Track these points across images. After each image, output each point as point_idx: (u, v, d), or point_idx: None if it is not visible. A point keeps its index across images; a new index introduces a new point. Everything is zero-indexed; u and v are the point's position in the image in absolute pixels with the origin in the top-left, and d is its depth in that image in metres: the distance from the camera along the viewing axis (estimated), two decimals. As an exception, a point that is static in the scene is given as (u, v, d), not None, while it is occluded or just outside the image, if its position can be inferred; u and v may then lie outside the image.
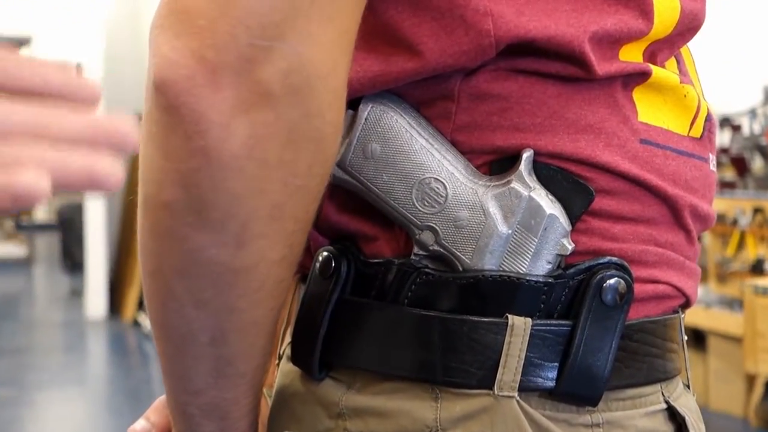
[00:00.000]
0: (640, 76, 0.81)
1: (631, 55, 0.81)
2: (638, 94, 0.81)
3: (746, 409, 4.59)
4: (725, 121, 5.18)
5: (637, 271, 0.80)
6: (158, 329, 0.79)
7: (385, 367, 0.80)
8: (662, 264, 0.82)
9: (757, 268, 4.57)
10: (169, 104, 0.67)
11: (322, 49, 0.69)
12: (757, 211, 4.61)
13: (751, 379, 4.52)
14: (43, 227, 12.14)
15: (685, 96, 0.84)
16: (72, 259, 9.42)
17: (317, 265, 0.83)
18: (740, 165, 4.97)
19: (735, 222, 4.70)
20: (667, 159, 0.82)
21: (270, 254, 0.73)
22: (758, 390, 4.44)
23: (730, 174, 5.16)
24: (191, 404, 0.82)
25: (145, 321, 6.62)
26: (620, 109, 0.80)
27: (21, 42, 10.78)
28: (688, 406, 0.87)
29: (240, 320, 0.76)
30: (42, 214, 12.00)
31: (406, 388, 0.79)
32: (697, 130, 0.86)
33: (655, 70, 0.81)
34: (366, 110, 0.78)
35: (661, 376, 0.84)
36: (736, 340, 4.45)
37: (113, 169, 0.49)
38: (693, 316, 4.73)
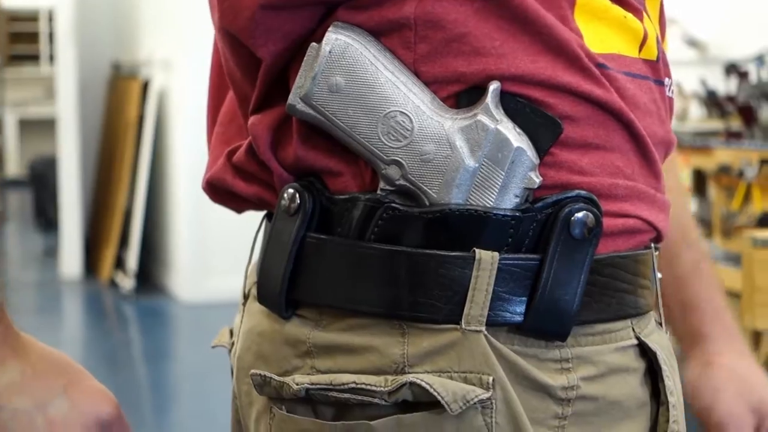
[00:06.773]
0: None
1: None
2: (579, 22, 0.84)
3: (752, 369, 4.64)
4: (732, 68, 5.18)
5: (606, 205, 0.84)
6: None
7: (352, 304, 0.83)
8: (632, 197, 0.86)
9: (763, 222, 4.60)
10: None
11: None
12: (764, 162, 4.61)
13: (756, 337, 4.56)
14: (15, 183, 12.14)
15: (624, 17, 0.87)
16: (45, 217, 9.44)
17: (282, 202, 0.86)
18: (747, 114, 4.98)
19: (741, 174, 4.71)
20: (626, 83, 0.85)
21: None
22: (764, 348, 4.48)
23: (736, 123, 5.18)
24: None
25: (123, 281, 6.65)
26: (574, 31, 0.83)
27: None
28: (660, 342, 0.90)
29: None
30: (13, 168, 11.96)
31: (373, 324, 0.83)
32: (651, 52, 0.89)
33: None
34: (330, 43, 0.81)
35: (631, 311, 0.87)
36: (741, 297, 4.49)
37: None
38: (697, 273, 4.75)
